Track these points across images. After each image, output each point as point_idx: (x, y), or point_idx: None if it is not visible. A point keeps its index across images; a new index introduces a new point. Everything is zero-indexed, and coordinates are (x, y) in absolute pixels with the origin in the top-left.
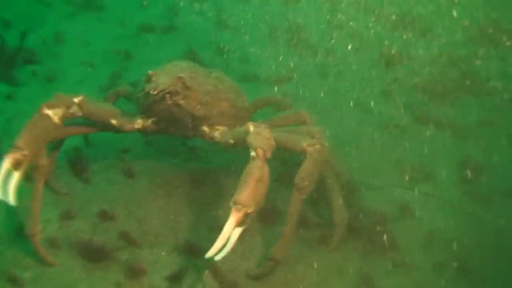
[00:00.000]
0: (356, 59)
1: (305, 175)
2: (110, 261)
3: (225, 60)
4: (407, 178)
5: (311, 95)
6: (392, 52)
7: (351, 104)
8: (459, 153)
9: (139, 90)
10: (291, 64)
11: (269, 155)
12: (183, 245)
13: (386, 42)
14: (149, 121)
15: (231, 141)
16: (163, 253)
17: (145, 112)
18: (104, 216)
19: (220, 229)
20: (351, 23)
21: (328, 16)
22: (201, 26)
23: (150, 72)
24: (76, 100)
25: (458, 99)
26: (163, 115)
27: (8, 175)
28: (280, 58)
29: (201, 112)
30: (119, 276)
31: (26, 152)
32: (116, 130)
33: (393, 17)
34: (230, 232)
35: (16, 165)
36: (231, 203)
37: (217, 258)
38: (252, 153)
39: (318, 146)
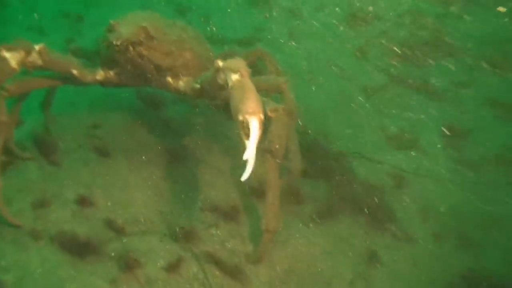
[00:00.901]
0: (323, 18)
1: (273, 138)
2: (99, 254)
3: (188, 20)
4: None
5: (283, 57)
6: (357, 10)
7: (325, 66)
8: (441, 117)
9: (101, 40)
10: (257, 25)
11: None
12: (176, 231)
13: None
14: (111, 73)
15: (197, 86)
16: (155, 241)
17: (107, 64)
18: (83, 202)
19: (212, 209)
20: None
21: None
22: None
23: (112, 21)
24: (37, 47)
25: (433, 60)
26: (126, 66)
27: None
28: (245, 18)
29: (165, 63)
30: (111, 270)
31: None
32: (77, 81)
33: None
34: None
35: None
36: (240, 116)
37: (244, 178)
38: (235, 75)
39: (280, 111)
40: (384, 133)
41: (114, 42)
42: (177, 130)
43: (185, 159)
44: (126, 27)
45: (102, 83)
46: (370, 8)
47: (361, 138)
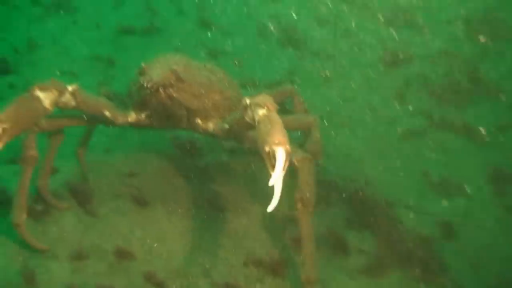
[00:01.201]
0: (356, 60)
1: (303, 186)
2: None
3: (219, 64)
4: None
5: (317, 101)
6: (392, 51)
7: (363, 110)
8: (486, 162)
9: (133, 83)
10: (290, 67)
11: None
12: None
13: (385, 40)
14: (143, 115)
15: (226, 126)
16: None
17: (139, 106)
18: (121, 254)
19: (256, 264)
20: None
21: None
22: (184, 26)
23: (143, 64)
24: (70, 88)
25: (471, 101)
26: (157, 108)
27: None
28: (277, 61)
29: (194, 105)
30: None
31: (6, 126)
32: (109, 122)
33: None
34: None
35: None
36: (267, 147)
37: (269, 209)
38: (262, 110)
39: (307, 160)
40: (427, 178)
41: (145, 85)
42: (216, 179)
43: (226, 209)
44: (156, 70)
45: (133, 125)
46: (404, 49)
47: (403, 185)
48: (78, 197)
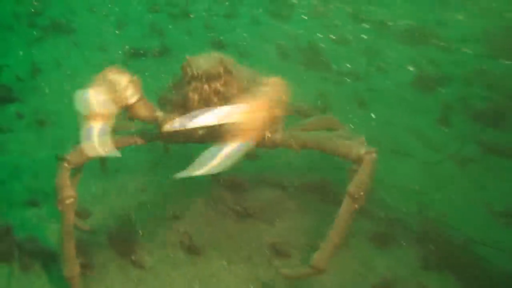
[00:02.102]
0: (391, 82)
1: (360, 184)
2: None
3: None
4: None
5: (354, 125)
6: (424, 71)
7: (406, 136)
8: None
9: (174, 81)
10: (319, 89)
11: None
12: None
13: (414, 59)
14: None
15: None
16: None
17: (178, 110)
18: None
19: None
20: (362, 35)
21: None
22: (197, 47)
23: (188, 56)
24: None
25: None
26: (199, 107)
27: None
28: (306, 84)
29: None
30: None
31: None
32: (154, 134)
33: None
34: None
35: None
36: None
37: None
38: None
39: (374, 155)
40: (490, 209)
41: (194, 72)
42: (269, 218)
43: (288, 254)
44: (203, 60)
45: (171, 137)
46: (437, 69)
47: (466, 217)
48: (119, 246)
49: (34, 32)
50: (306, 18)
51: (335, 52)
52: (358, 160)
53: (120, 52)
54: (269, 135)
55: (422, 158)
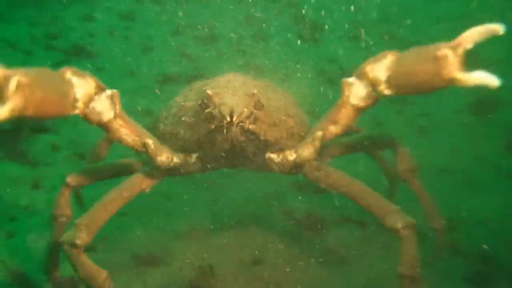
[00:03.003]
0: (443, 105)
1: (411, 261)
2: None
3: None
4: None
5: (416, 152)
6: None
7: (473, 162)
8: None
9: (193, 119)
10: (373, 115)
11: None
12: None
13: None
14: (193, 156)
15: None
16: None
17: (190, 145)
18: None
19: None
20: None
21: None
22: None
23: (209, 91)
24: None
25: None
26: (220, 147)
27: None
28: None
29: (273, 136)
30: None
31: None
32: (148, 161)
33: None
34: None
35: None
36: None
37: None
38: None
39: (412, 228)
40: None
41: (220, 114)
42: (360, 264)
43: None
44: (230, 97)
45: (174, 170)
46: (489, 92)
47: None
48: None
49: (55, 56)
50: (338, 41)
51: None
52: (392, 231)
53: (150, 77)
54: (275, 158)
55: (496, 188)
